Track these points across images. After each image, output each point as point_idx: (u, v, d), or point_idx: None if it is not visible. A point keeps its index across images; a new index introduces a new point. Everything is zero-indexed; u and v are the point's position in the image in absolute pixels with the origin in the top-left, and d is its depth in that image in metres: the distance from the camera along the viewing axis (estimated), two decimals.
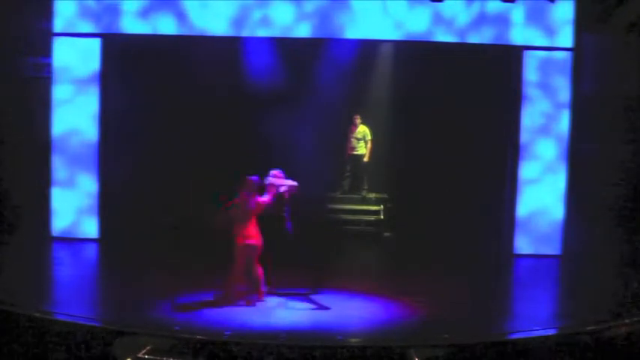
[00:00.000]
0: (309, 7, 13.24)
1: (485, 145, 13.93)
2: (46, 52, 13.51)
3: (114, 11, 13.25)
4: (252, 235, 9.91)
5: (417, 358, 8.05)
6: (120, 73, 13.58)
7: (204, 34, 13.33)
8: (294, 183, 10.33)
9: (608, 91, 13.54)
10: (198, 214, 14.06)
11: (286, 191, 10.31)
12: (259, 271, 10.03)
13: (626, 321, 9.08)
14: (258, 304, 9.94)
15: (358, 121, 14.87)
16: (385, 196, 14.98)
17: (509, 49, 13.34)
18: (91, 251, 13.31)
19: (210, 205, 14.15)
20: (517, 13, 13.11)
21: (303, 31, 13.30)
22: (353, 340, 8.73)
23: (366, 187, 15.03)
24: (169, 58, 13.83)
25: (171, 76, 13.98)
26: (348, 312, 9.77)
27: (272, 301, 10.08)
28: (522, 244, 13.46)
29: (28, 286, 10.34)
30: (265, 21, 13.27)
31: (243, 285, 10.05)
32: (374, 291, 10.72)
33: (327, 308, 9.79)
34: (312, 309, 9.83)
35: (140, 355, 8.03)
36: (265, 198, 10.01)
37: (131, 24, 13.28)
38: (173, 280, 10.98)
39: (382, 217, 14.70)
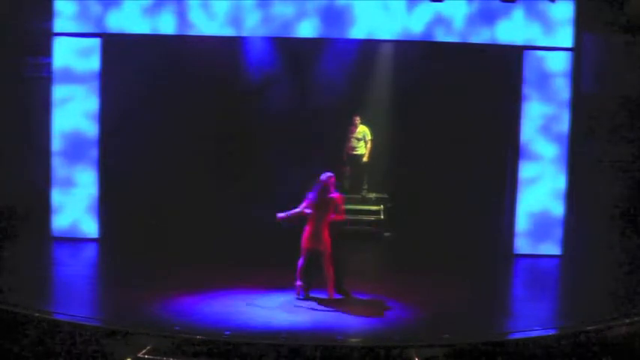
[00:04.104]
0: (309, 6, 13.23)
1: (486, 145, 13.93)
2: (46, 52, 13.50)
3: (114, 11, 13.25)
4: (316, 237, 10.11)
5: (417, 358, 8.06)
6: (120, 72, 13.58)
7: (203, 34, 13.33)
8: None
9: (608, 91, 13.54)
10: (199, 213, 14.13)
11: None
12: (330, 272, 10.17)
13: (626, 321, 9.09)
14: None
15: (358, 121, 14.86)
16: (385, 196, 14.98)
17: (509, 49, 13.33)
18: (91, 251, 13.31)
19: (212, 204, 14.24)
20: (517, 13, 13.12)
21: (304, 31, 13.29)
22: (353, 340, 8.74)
23: (366, 187, 15.02)
24: (169, 57, 13.84)
25: (171, 75, 13.99)
26: (348, 312, 9.77)
27: (272, 301, 10.11)
28: (522, 244, 13.46)
29: (29, 286, 10.34)
30: (265, 21, 13.26)
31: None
32: (374, 291, 10.72)
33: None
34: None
35: (140, 355, 8.04)
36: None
37: (131, 24, 13.28)
38: (173, 279, 10.99)
39: (382, 217, 14.70)
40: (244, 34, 13.50)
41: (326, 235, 10.07)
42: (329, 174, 10.26)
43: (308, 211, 10.10)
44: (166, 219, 13.88)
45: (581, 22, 13.15)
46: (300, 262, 10.21)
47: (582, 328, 8.86)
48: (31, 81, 13.94)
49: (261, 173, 14.46)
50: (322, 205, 10.08)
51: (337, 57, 14.44)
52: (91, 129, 13.54)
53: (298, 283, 10.23)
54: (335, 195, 10.14)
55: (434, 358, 8.17)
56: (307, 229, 10.11)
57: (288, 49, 14.43)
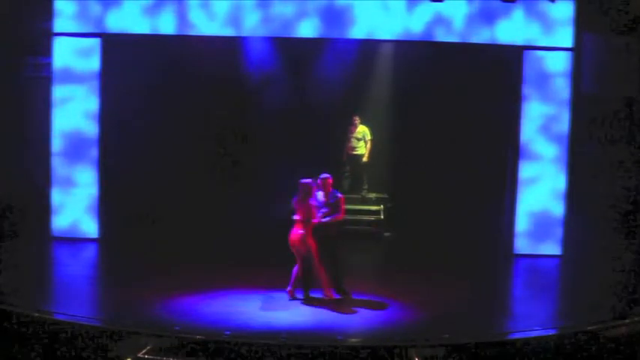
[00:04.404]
0: (309, 6, 13.23)
1: (486, 145, 13.93)
2: (46, 52, 13.50)
3: (114, 11, 13.25)
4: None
5: (417, 358, 8.06)
6: (119, 72, 13.58)
7: (203, 34, 13.33)
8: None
9: (608, 91, 13.54)
10: (199, 213, 14.13)
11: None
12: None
13: (626, 321, 9.09)
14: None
15: (358, 121, 14.86)
16: (385, 196, 14.99)
17: (509, 49, 13.33)
18: (91, 251, 13.31)
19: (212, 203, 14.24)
20: (517, 13, 13.11)
21: (304, 31, 13.29)
22: (353, 340, 8.74)
23: (366, 187, 15.03)
24: (169, 57, 13.83)
25: (171, 75, 13.98)
26: (348, 312, 9.77)
27: (272, 301, 10.11)
28: (522, 244, 13.46)
29: (29, 286, 10.34)
30: (265, 21, 13.26)
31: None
32: (374, 291, 10.72)
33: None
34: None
35: (140, 355, 8.04)
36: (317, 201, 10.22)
37: (131, 24, 13.28)
38: (173, 279, 10.99)
39: (382, 217, 14.71)
40: (244, 34, 13.51)
41: (310, 239, 10.06)
42: (325, 175, 10.28)
43: (297, 217, 10.10)
44: (166, 219, 13.87)
45: (581, 22, 13.15)
46: (296, 268, 10.20)
47: (582, 328, 8.86)
48: (31, 81, 13.94)
49: (261, 173, 14.45)
50: (303, 210, 10.08)
51: (337, 57, 14.44)
52: (91, 129, 13.55)
53: (288, 288, 10.23)
54: (312, 202, 10.14)
55: (434, 358, 8.17)
56: (292, 234, 10.11)
57: (288, 49, 14.42)
